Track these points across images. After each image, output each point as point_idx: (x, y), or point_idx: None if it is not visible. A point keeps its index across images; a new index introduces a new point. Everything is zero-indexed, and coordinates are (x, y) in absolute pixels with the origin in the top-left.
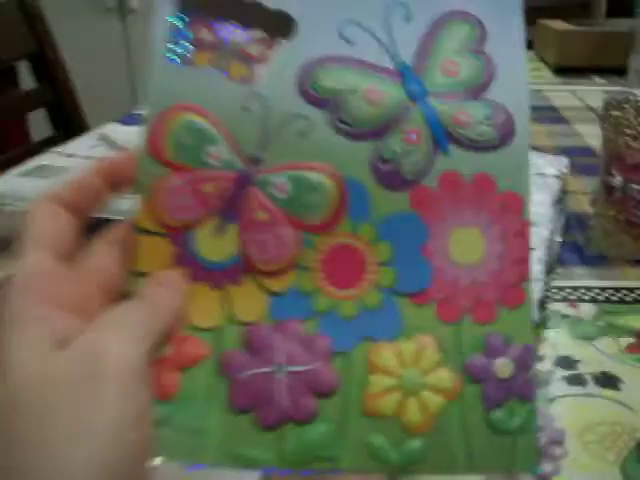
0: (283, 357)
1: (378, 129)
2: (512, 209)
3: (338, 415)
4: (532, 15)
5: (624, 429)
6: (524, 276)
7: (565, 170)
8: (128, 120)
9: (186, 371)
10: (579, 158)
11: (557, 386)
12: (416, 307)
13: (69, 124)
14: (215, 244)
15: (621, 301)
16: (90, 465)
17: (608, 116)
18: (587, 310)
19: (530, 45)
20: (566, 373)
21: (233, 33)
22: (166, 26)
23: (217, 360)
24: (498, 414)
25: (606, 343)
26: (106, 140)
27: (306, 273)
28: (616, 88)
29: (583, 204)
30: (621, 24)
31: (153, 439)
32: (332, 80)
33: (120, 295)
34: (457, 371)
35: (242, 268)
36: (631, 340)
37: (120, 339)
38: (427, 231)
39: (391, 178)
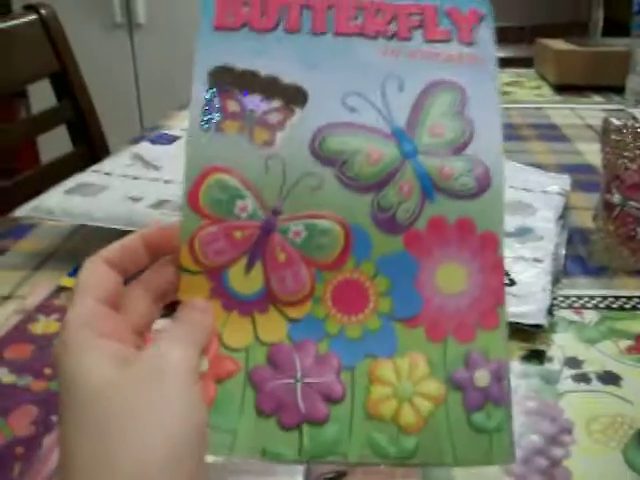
0: (300, 371)
1: (377, 183)
2: (489, 247)
3: (346, 418)
4: (531, 34)
5: (624, 420)
6: (499, 302)
7: (568, 188)
8: (158, 139)
9: (222, 383)
10: (581, 175)
11: (565, 383)
12: (409, 330)
13: (91, 141)
14: (244, 280)
15: (621, 308)
16: (163, 445)
17: (608, 140)
18: (590, 316)
19: (530, 63)
20: (573, 372)
21: (256, 104)
22: (201, 100)
23: (247, 374)
24: (477, 417)
25: (608, 345)
26: (139, 159)
27: (319, 303)
28: (614, 106)
29: (585, 219)
30: (617, 43)
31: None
32: (339, 143)
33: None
34: (443, 381)
35: (267, 299)
36: (630, 342)
37: (176, 346)
38: (418, 267)
39: (388, 224)
